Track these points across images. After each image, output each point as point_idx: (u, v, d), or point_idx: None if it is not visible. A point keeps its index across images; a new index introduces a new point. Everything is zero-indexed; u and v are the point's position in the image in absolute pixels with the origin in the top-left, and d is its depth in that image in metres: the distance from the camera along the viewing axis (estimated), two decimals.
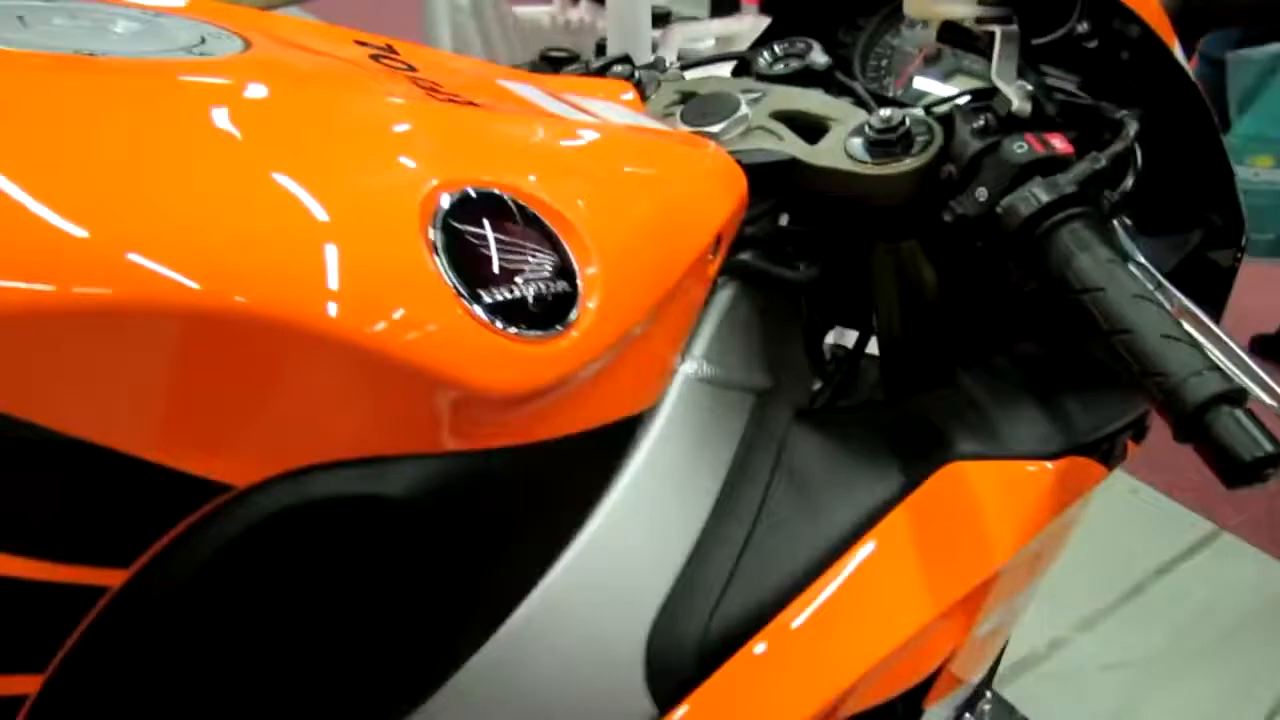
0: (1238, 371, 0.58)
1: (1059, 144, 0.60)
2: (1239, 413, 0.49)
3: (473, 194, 0.42)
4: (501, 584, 0.48)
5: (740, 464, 0.59)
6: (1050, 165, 0.59)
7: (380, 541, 0.42)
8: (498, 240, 0.42)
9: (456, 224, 0.41)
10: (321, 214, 0.38)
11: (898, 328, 0.77)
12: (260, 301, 0.35)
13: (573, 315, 0.43)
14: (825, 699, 0.54)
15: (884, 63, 0.85)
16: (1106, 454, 0.69)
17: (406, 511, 0.42)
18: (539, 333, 0.42)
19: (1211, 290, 0.72)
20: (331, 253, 0.38)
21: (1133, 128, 0.62)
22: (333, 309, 0.37)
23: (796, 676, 0.54)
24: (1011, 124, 0.63)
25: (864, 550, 0.57)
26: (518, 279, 0.42)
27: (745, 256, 0.66)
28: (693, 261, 0.53)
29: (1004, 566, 0.59)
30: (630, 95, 0.75)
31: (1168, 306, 0.59)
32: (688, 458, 0.57)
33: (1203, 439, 0.50)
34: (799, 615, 0.55)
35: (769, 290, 0.69)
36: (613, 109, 0.69)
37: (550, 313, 0.43)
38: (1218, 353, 0.59)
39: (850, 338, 0.88)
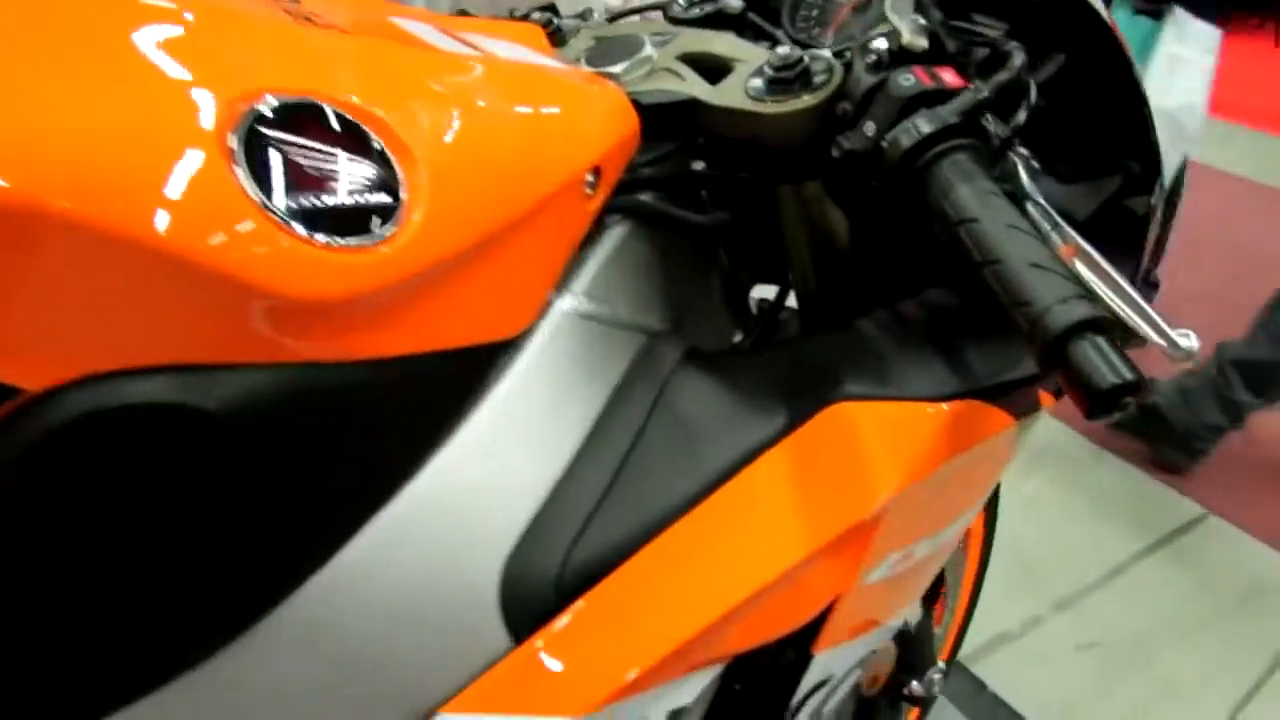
0: (1129, 311, 0.57)
1: (949, 77, 0.59)
2: (1101, 340, 0.48)
3: (286, 102, 0.41)
4: (338, 508, 0.47)
5: (617, 400, 0.59)
6: (938, 98, 0.58)
7: (196, 454, 0.42)
8: (311, 149, 0.41)
9: (266, 131, 0.40)
10: (126, 117, 0.38)
11: (813, 280, 0.76)
12: (61, 202, 0.35)
13: (392, 228, 0.43)
14: (686, 633, 0.53)
15: (814, 13, 0.84)
16: (1011, 403, 0.67)
17: (225, 423, 0.41)
18: (352, 241, 0.41)
19: (1129, 237, 0.70)
20: (131, 156, 0.37)
21: (1019, 58, 0.60)
22: (127, 211, 0.36)
23: (657, 609, 0.54)
24: (908, 60, 0.61)
25: (736, 487, 0.57)
26: (331, 188, 0.41)
27: (644, 197, 0.65)
28: (555, 191, 0.53)
29: (885, 507, 0.58)
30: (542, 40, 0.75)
31: (1055, 240, 0.58)
32: (558, 390, 0.56)
33: (1063, 367, 0.48)
34: (664, 549, 0.54)
35: (673, 233, 0.68)
36: (513, 49, 0.68)
37: (366, 223, 0.42)
38: (1109, 293, 0.57)
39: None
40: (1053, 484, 2.12)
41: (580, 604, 0.53)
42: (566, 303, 0.58)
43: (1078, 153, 0.72)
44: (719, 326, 0.78)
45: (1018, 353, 0.66)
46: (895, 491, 0.59)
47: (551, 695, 0.52)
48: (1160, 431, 2.17)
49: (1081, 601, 1.81)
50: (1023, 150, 0.66)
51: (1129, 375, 0.47)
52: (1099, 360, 0.48)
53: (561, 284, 0.58)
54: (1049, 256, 0.52)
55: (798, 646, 0.64)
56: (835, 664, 0.68)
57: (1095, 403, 0.47)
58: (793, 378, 0.62)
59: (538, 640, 0.52)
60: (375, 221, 0.42)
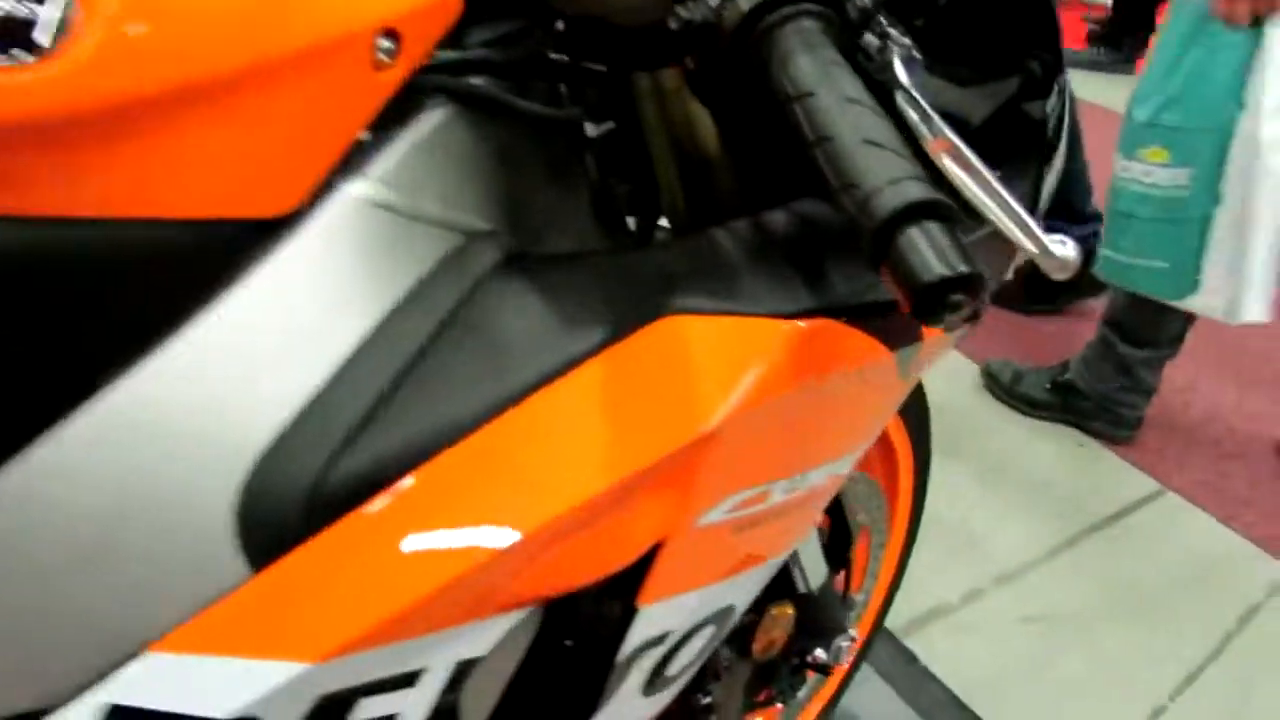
0: (1001, 214, 0.49)
1: None
2: (933, 226, 0.41)
3: None
4: (19, 399, 0.39)
5: (412, 301, 0.50)
6: None
7: None
8: None
9: None
10: None
11: (679, 192, 0.68)
12: None
13: (51, 48, 0.35)
14: (458, 569, 0.46)
15: None
16: (884, 330, 0.60)
17: None
18: None
19: (1029, 144, 0.63)
20: None
21: None
22: None
23: (426, 538, 0.46)
24: None
25: (537, 404, 0.49)
26: None
27: (477, 81, 0.57)
28: (322, 47, 0.44)
29: (714, 432, 0.51)
30: None
31: (925, 133, 0.51)
32: (335, 284, 0.48)
33: (888, 258, 0.41)
34: (441, 470, 0.46)
35: (519, 129, 0.60)
36: None
37: (14, 38, 0.34)
38: (981, 193, 0.50)
39: None
40: (1005, 453, 2.05)
41: (334, 529, 0.45)
42: (356, 188, 0.49)
43: (978, 55, 0.64)
44: (583, 242, 0.70)
45: None
46: (727, 414, 0.51)
47: (287, 635, 0.44)
48: (1079, 405, 2.13)
49: (1025, 575, 1.74)
50: (904, 39, 0.58)
51: (960, 266, 0.39)
52: (927, 249, 0.40)
53: (352, 166, 0.50)
54: (889, 134, 0.44)
55: (621, 596, 0.56)
56: (671, 619, 0.61)
57: (919, 298, 0.40)
58: (624, 287, 0.54)
59: (278, 570, 0.44)
60: (27, 38, 0.34)
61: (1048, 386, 2.15)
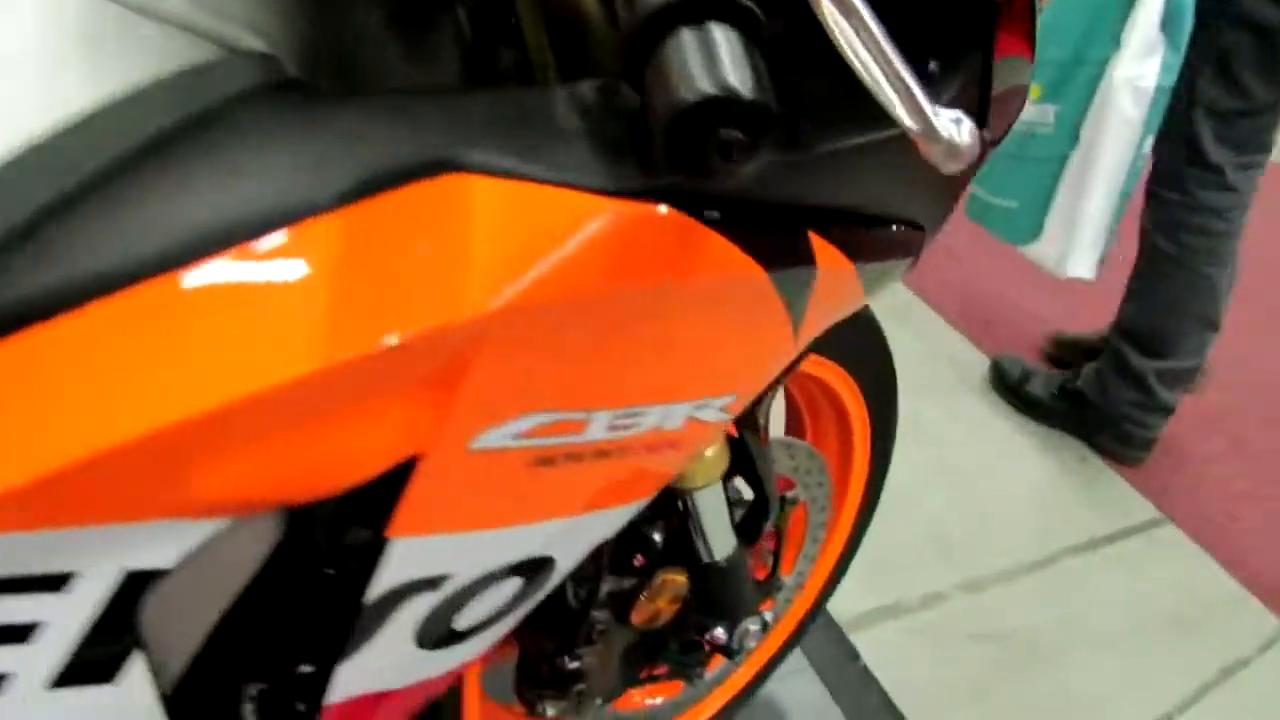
0: (880, 77, 0.36)
1: None
2: (719, 31, 0.28)
3: None
4: None
5: (116, 111, 0.39)
6: None
7: None
8: None
9: None
10: None
11: (552, 67, 0.55)
12: None
13: None
14: (95, 447, 0.34)
15: None
16: (755, 240, 0.47)
17: None
18: None
19: (975, 25, 0.50)
20: None
21: None
22: None
23: (62, 402, 0.35)
24: None
25: (248, 256, 0.37)
26: None
27: None
28: None
29: (484, 316, 0.39)
30: None
31: None
32: (7, 68, 0.37)
33: (645, 73, 0.29)
34: (108, 316, 0.35)
35: None
36: None
37: None
38: (862, 50, 0.37)
39: None
40: (999, 454, 1.91)
41: None
42: None
43: None
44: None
45: (776, 165, 0.46)
46: (507, 301, 0.39)
47: None
48: (1087, 417, 1.96)
49: (995, 587, 1.61)
50: None
51: (736, 85, 0.27)
52: (698, 59, 0.28)
53: None
54: None
55: (371, 524, 0.45)
56: (445, 561, 0.49)
57: (672, 124, 0.28)
58: (409, 133, 0.42)
59: None
60: None
61: (1056, 391, 1.99)
